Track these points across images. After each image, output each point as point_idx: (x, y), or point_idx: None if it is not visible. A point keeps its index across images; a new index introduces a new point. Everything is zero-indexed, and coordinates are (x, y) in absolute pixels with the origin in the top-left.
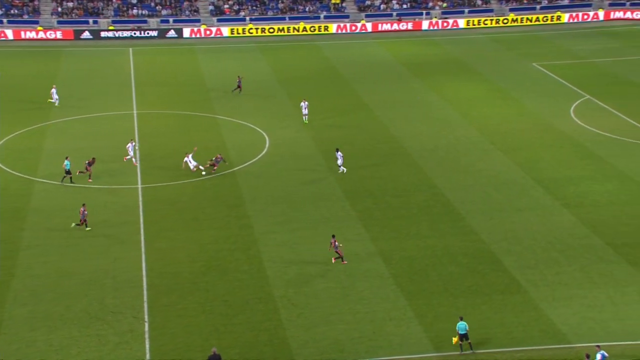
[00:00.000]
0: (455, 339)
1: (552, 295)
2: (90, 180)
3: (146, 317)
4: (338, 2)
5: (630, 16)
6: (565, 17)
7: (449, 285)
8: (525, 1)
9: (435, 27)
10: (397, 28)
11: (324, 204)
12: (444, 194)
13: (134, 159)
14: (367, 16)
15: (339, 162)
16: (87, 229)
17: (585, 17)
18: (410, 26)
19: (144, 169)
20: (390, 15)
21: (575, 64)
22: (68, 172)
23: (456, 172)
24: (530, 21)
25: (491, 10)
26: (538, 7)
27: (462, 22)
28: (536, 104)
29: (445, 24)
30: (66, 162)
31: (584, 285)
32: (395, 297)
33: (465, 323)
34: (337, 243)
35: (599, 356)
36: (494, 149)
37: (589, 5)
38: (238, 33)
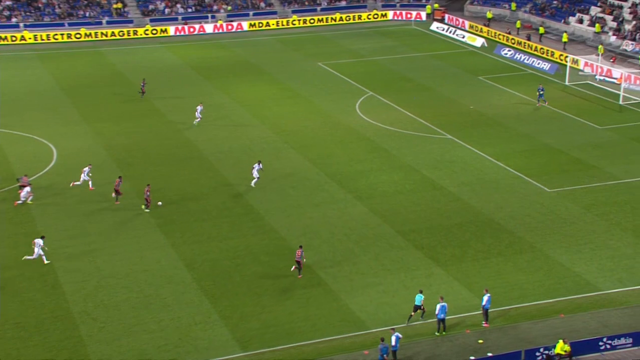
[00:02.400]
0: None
1: (350, 285)
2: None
3: None
4: (120, 6)
5: (400, 17)
6: (343, 18)
7: (253, 284)
8: (306, 3)
9: (221, 30)
10: (184, 32)
11: (121, 214)
12: (242, 194)
13: (90, 183)
14: (151, 20)
15: (255, 174)
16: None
17: (362, 17)
18: (196, 29)
19: None
20: (176, 19)
21: (357, 62)
22: None
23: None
24: (313, 22)
25: (275, 13)
26: (319, 8)
27: (246, 25)
28: (324, 102)
29: (230, 27)
30: None
31: (379, 273)
32: (200, 301)
33: (422, 296)
34: (302, 253)
35: (393, 338)
36: (288, 148)
37: (364, 7)
38: (13, 41)
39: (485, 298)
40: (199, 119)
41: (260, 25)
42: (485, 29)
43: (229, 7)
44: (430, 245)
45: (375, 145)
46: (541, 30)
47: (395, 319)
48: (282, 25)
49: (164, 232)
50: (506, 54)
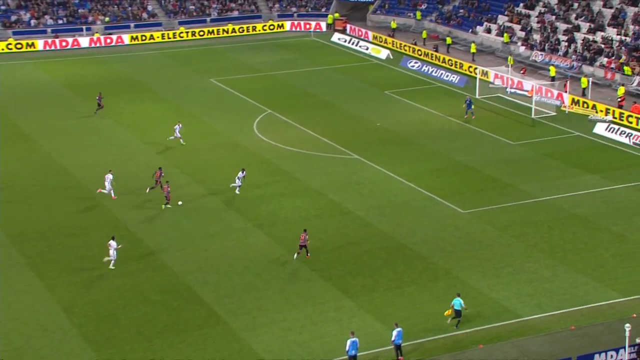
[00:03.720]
0: (449, 312)
1: (252, 323)
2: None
3: None
4: None
5: (299, 28)
6: (236, 29)
7: (142, 327)
8: (194, 14)
9: (99, 44)
10: (55, 46)
11: None
12: (127, 227)
13: (112, 192)
14: (15, 34)
15: (238, 182)
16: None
17: (256, 29)
18: (69, 43)
19: None
20: (44, 31)
21: (253, 78)
22: None
23: (137, 204)
24: (202, 34)
25: (159, 24)
26: (208, 19)
27: (127, 38)
28: (218, 121)
29: (109, 40)
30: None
31: (284, 308)
32: (81, 350)
33: (460, 300)
34: (307, 237)
35: (395, 333)
36: (179, 173)
37: (259, 17)
38: None
39: (395, 333)
40: (176, 137)
41: (144, 38)
42: (390, 39)
43: (107, 19)
44: (339, 276)
45: (275, 167)
46: (448, 40)
47: (304, 357)
48: (168, 38)
49: (36, 272)
50: (413, 66)
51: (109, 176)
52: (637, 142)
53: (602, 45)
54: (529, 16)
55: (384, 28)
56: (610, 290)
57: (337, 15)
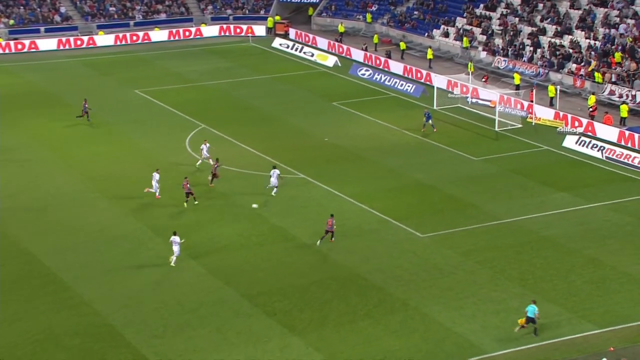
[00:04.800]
0: (521, 321)
1: None
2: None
3: None
4: None
5: (236, 32)
6: (164, 35)
7: None
8: (115, 17)
9: (6, 51)
10: None
11: None
12: (40, 260)
13: (158, 192)
14: None
15: (274, 182)
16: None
17: (187, 33)
18: None
19: None
20: None
21: (184, 89)
22: None
23: (54, 232)
24: (125, 40)
25: (75, 28)
26: (132, 22)
27: (42, 44)
28: (145, 138)
29: (20, 46)
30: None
31: (222, 348)
32: None
33: (535, 307)
34: (334, 222)
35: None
36: (101, 198)
37: (190, 20)
38: None
39: None
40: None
41: (60, 45)
42: (337, 45)
43: (11, 21)
44: (284, 310)
45: (212, 190)
46: (402, 45)
47: None
48: (86, 43)
49: None
50: (363, 74)
51: (156, 175)
52: (564, 130)
53: (570, 50)
54: (490, 18)
55: (330, 32)
56: (584, 321)
57: (278, 18)
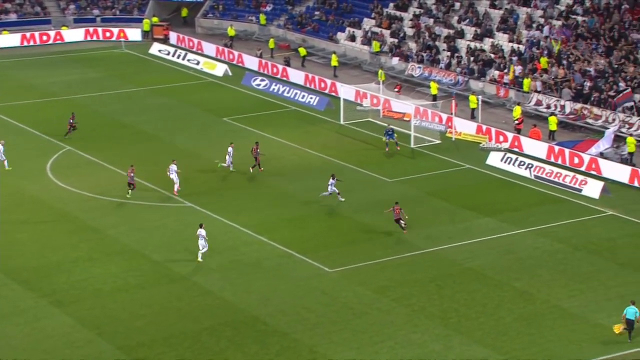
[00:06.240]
0: (618, 327)
1: None
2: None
3: None
4: None
5: (105, 37)
6: (16, 39)
7: None
8: None
9: None
10: None
11: None
12: None
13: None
14: None
15: (333, 189)
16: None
17: (45, 38)
18: None
19: None
20: None
21: (43, 104)
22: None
23: None
24: None
25: None
26: None
27: None
28: None
29: None
30: None
31: None
32: None
33: (635, 309)
34: (402, 211)
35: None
36: None
37: (48, 22)
38: None
39: None
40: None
41: None
42: (227, 51)
43: None
44: None
45: (79, 223)
46: (302, 51)
47: None
48: None
49: None
50: (258, 85)
51: (173, 167)
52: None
53: (492, 55)
54: (401, 19)
55: (218, 36)
56: None
57: (155, 19)
